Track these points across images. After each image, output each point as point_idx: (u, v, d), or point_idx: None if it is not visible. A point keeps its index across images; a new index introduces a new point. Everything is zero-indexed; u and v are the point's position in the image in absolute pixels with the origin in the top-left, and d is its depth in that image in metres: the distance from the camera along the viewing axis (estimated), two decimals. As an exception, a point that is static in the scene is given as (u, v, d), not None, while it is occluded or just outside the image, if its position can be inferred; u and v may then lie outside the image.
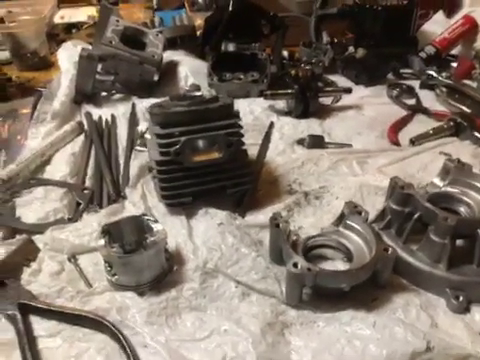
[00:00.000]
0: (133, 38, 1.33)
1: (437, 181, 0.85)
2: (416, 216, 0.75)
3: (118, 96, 1.32)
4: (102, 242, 0.72)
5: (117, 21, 1.31)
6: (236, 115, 0.89)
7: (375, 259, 0.69)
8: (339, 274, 0.69)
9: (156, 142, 0.85)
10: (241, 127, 0.89)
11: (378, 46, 1.47)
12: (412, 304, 0.71)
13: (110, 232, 0.74)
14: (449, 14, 1.66)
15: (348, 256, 0.76)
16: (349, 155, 1.05)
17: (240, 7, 1.41)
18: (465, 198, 0.80)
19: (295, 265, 0.67)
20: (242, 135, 0.89)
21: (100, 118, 1.20)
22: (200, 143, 0.86)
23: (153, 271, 0.73)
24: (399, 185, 0.78)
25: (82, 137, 1.13)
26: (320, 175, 1.00)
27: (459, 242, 0.75)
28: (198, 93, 0.94)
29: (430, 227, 0.74)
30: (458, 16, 1.58)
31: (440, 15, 1.63)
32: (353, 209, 0.78)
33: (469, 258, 0.73)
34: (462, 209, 0.80)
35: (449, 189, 0.82)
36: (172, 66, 1.40)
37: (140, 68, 1.27)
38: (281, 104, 1.27)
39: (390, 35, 1.48)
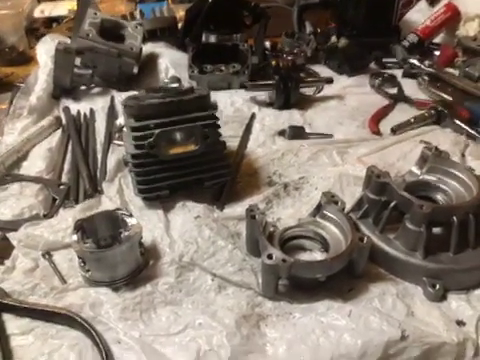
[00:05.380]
0: (112, 31, 1.31)
1: (415, 169, 0.84)
2: (392, 205, 0.75)
3: (97, 89, 1.30)
4: (75, 238, 0.71)
5: (95, 14, 1.29)
6: (213, 107, 0.88)
7: (350, 249, 0.68)
8: (313, 264, 0.69)
9: (130, 135, 0.83)
10: (218, 119, 0.87)
11: (361, 35, 1.46)
12: (388, 293, 0.70)
13: (83, 227, 0.73)
14: (432, 2, 1.65)
15: (325, 246, 0.76)
16: (329, 145, 1.04)
17: (220, -3, 1.39)
18: (442, 186, 0.80)
19: (270, 256, 0.67)
20: (219, 126, 0.88)
21: (78, 112, 1.18)
22: (176, 135, 0.84)
23: (127, 266, 0.72)
24: (375, 174, 0.77)
25: (60, 132, 1.11)
26: (300, 166, 0.99)
27: (436, 230, 0.75)
28: (175, 85, 0.93)
29: (406, 215, 0.73)
30: (441, 4, 1.57)
31: (423, 3, 1.62)
32: (330, 199, 0.78)
33: (445, 246, 0.73)
34: (439, 197, 0.80)
35: (426, 177, 0.82)
36: (152, 58, 1.39)
37: (119, 61, 1.25)
38: (263, 95, 1.26)
39: (372, 24, 1.47)
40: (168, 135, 0.83)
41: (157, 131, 0.81)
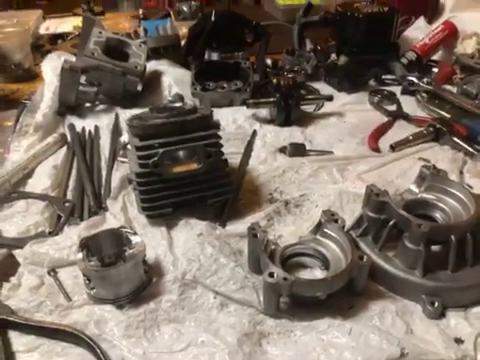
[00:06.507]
0: (116, 49, 1.33)
1: (413, 188, 0.86)
2: (391, 223, 0.76)
3: (102, 107, 1.32)
4: (80, 256, 0.73)
5: (100, 32, 1.32)
6: (215, 126, 0.90)
7: (350, 267, 0.70)
8: (314, 283, 0.70)
9: (135, 154, 0.85)
10: (220, 138, 0.89)
11: (360, 53, 1.49)
12: (388, 311, 0.71)
13: (88, 246, 0.75)
14: (430, 20, 1.69)
15: (325, 264, 0.77)
16: (329, 162, 1.06)
17: (222, 17, 1.43)
18: (440, 204, 0.82)
19: (271, 275, 0.68)
20: (221, 146, 0.90)
21: (83, 129, 1.21)
22: (179, 154, 0.86)
23: (131, 284, 0.73)
24: (374, 193, 0.79)
25: (65, 149, 1.13)
26: (301, 183, 1.01)
27: (434, 248, 0.76)
28: (178, 104, 0.95)
29: (405, 234, 0.75)
30: (439, 22, 1.61)
31: (421, 21, 1.65)
32: (330, 217, 0.79)
33: (444, 264, 0.74)
34: (438, 215, 0.81)
35: (425, 195, 0.84)
36: (156, 76, 1.41)
37: (123, 79, 1.28)
38: (264, 112, 1.28)
39: (372, 42, 1.50)
40: (172, 154, 0.85)
41: (161, 150, 0.83)
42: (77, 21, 1.99)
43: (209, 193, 0.90)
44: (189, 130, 0.86)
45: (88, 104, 1.33)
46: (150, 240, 0.84)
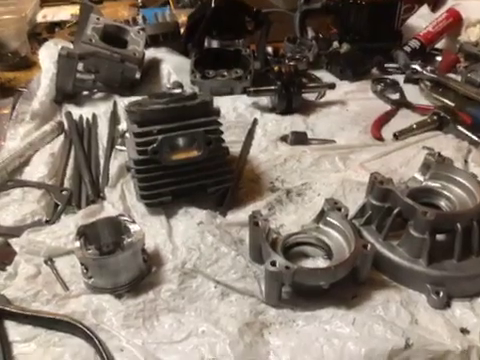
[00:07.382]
0: (114, 36, 1.31)
1: (418, 176, 0.84)
2: (396, 211, 0.75)
3: (99, 95, 1.29)
4: (77, 244, 0.71)
5: (97, 19, 1.29)
6: (215, 112, 0.88)
7: (353, 256, 0.68)
8: (317, 272, 0.69)
9: (133, 141, 0.83)
10: (220, 124, 0.88)
11: (363, 41, 1.47)
12: (392, 300, 0.70)
13: (86, 234, 0.73)
14: (434, 8, 1.66)
15: (328, 253, 0.76)
16: (332, 151, 1.04)
17: (223, 3, 1.40)
18: (445, 192, 0.80)
19: (273, 263, 0.66)
20: (221, 132, 0.88)
21: (81, 117, 1.18)
22: (179, 141, 0.84)
23: (130, 273, 0.72)
24: (378, 180, 0.77)
25: (62, 137, 1.11)
26: (302, 172, 0.99)
27: (439, 237, 0.75)
28: (178, 90, 0.93)
29: (410, 222, 0.73)
30: (443, 10, 1.58)
31: (425, 9, 1.62)
32: (333, 205, 0.78)
33: (449, 253, 0.72)
34: (443, 203, 0.80)
35: (430, 183, 0.82)
36: (155, 63, 1.38)
37: (121, 66, 1.25)
38: (265, 101, 1.26)
39: (374, 29, 1.48)
40: (171, 141, 0.83)
41: (160, 137, 0.81)
42: (75, 9, 1.96)
43: (209, 181, 0.89)
44: (189, 116, 0.84)
45: (85, 92, 1.30)
46: (149, 229, 0.82)
